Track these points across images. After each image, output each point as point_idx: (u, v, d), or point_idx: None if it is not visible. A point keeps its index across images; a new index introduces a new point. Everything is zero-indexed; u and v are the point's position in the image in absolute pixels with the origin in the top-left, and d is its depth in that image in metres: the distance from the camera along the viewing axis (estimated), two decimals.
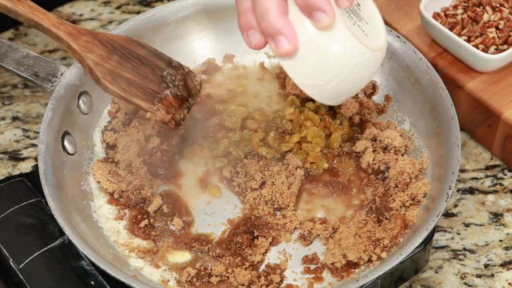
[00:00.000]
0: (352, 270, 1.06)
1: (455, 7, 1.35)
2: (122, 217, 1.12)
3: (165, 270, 1.07)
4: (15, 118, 1.40)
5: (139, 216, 1.11)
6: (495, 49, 1.30)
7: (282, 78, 1.27)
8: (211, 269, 1.06)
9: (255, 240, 1.09)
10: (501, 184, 1.30)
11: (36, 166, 1.10)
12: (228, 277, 1.05)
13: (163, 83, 1.09)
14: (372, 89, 1.23)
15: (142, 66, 1.09)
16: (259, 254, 1.08)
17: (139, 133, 1.18)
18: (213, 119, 1.21)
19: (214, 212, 1.13)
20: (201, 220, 1.12)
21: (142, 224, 1.11)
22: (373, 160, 1.14)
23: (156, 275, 1.06)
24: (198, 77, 1.15)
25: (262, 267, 1.08)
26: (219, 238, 1.10)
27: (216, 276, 1.05)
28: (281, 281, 1.06)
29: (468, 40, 1.31)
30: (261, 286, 1.05)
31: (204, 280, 1.05)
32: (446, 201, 1.03)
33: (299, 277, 1.07)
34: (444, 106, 1.13)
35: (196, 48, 1.29)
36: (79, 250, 1.01)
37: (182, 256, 1.08)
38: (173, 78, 1.10)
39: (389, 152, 1.15)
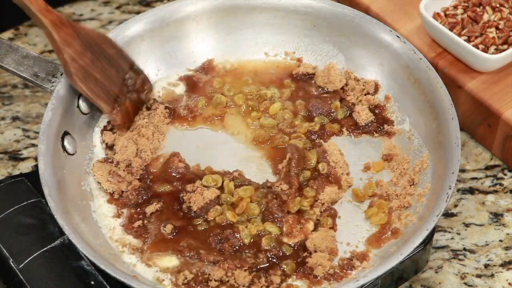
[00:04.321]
0: (349, 272, 1.06)
1: (455, 7, 1.35)
2: (119, 215, 1.12)
3: (157, 271, 1.07)
4: (15, 118, 1.40)
5: (135, 216, 1.11)
6: (495, 49, 1.30)
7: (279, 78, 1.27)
8: (209, 274, 1.05)
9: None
10: (501, 184, 1.30)
11: (36, 166, 1.10)
12: (228, 280, 1.05)
13: (124, 87, 1.14)
14: (374, 88, 1.23)
15: (109, 67, 1.13)
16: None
17: (136, 133, 1.19)
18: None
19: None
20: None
21: (136, 224, 1.10)
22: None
23: (150, 273, 1.06)
24: (148, 86, 1.20)
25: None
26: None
27: (216, 280, 1.04)
28: (282, 281, 1.06)
29: (468, 40, 1.31)
30: (261, 287, 1.04)
31: (202, 285, 1.04)
32: (446, 201, 1.03)
33: (299, 278, 1.06)
34: (444, 106, 1.13)
35: (196, 48, 1.29)
36: (79, 250, 1.01)
37: (170, 261, 1.07)
38: (134, 82, 1.16)
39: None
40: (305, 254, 1.08)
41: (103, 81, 1.12)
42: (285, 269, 1.06)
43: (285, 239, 1.09)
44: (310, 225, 1.10)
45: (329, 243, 1.07)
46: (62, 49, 1.09)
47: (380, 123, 1.21)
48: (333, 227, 1.10)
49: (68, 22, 1.11)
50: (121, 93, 1.15)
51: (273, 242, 1.09)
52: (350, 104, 1.23)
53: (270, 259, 1.07)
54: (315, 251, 1.07)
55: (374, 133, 1.20)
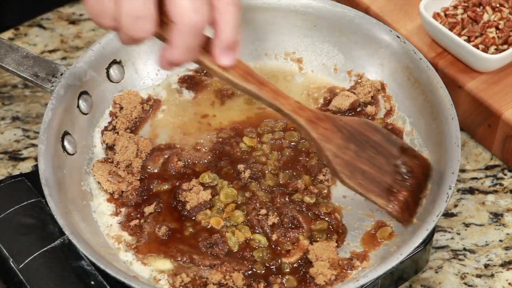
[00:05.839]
0: (349, 272, 1.06)
1: (455, 7, 1.35)
2: (118, 213, 1.12)
3: (153, 270, 1.06)
4: (15, 118, 1.40)
5: (132, 215, 1.11)
6: (495, 49, 1.30)
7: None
8: (206, 278, 1.05)
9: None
10: (501, 184, 1.30)
11: (36, 166, 1.10)
12: (226, 283, 1.04)
13: (397, 174, 1.04)
14: (381, 87, 1.23)
15: (377, 155, 1.04)
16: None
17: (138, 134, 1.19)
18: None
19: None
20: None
21: (132, 223, 1.10)
22: None
23: (147, 272, 1.06)
24: (429, 167, 1.09)
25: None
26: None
27: (214, 284, 1.04)
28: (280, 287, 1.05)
29: (468, 40, 1.31)
30: None
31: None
32: (446, 201, 1.03)
33: None
34: (444, 106, 1.13)
35: None
36: (79, 250, 1.01)
37: (164, 264, 1.07)
38: (407, 168, 1.05)
39: None
40: (305, 264, 1.07)
41: (372, 172, 1.03)
42: (285, 284, 1.05)
43: (283, 259, 1.07)
44: (306, 241, 1.08)
45: (331, 253, 1.06)
46: (323, 147, 1.01)
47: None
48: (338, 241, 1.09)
49: (325, 115, 1.03)
50: (395, 182, 1.04)
51: (266, 256, 1.07)
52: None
53: (268, 266, 1.06)
54: (316, 260, 1.06)
55: None
